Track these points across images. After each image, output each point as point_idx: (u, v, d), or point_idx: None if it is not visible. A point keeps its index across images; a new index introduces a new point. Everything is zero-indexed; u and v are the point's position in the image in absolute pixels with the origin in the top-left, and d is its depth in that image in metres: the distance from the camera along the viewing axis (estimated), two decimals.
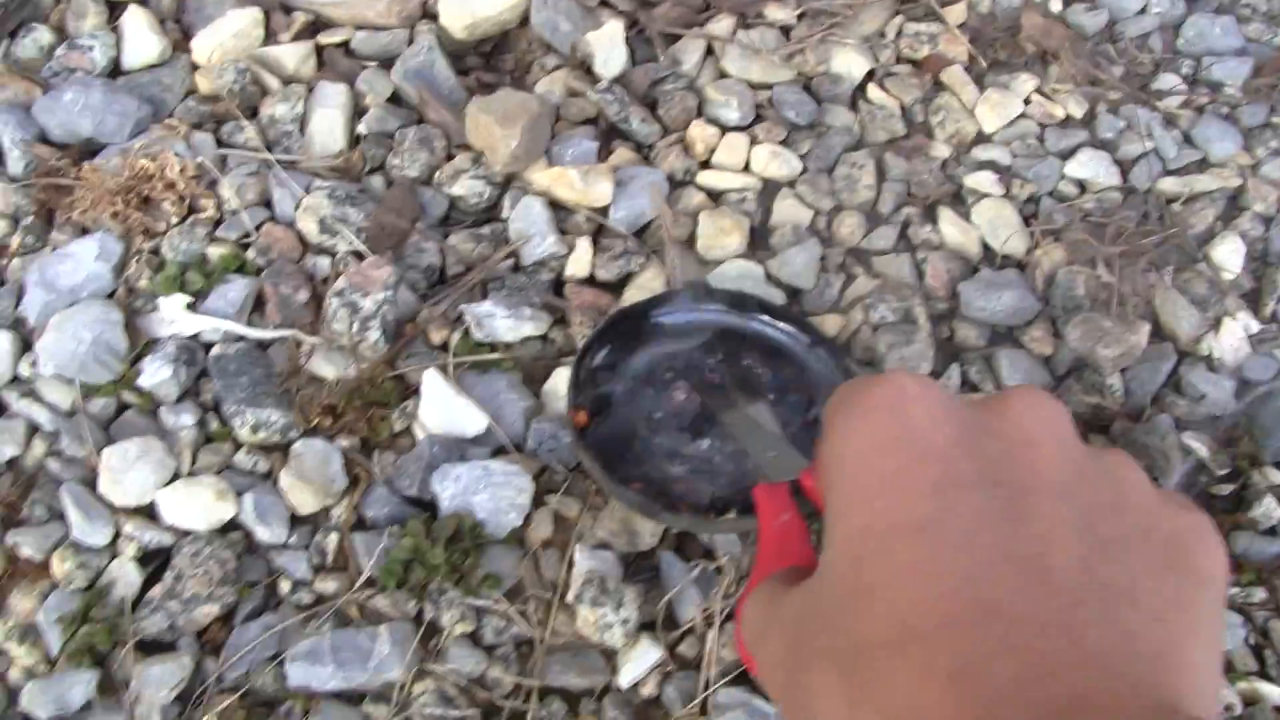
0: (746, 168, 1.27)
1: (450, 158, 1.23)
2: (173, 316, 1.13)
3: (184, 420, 1.09)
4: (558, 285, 1.20)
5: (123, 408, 1.11)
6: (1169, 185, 1.33)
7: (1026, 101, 1.36)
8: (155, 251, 1.17)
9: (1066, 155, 1.33)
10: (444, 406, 1.10)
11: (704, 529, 1.06)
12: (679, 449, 1.05)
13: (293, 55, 1.28)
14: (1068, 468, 0.38)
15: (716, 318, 1.13)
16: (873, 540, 0.36)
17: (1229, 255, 1.30)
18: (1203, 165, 1.37)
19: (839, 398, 0.40)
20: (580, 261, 1.19)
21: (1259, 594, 1.13)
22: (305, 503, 1.07)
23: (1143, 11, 1.46)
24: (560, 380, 1.13)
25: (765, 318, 1.13)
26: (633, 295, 1.17)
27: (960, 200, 1.30)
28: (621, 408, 1.07)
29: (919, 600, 0.34)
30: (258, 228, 1.18)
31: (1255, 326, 1.27)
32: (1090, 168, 1.32)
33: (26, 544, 1.03)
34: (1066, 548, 0.35)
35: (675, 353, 1.10)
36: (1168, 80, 1.41)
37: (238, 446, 1.10)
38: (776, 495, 0.65)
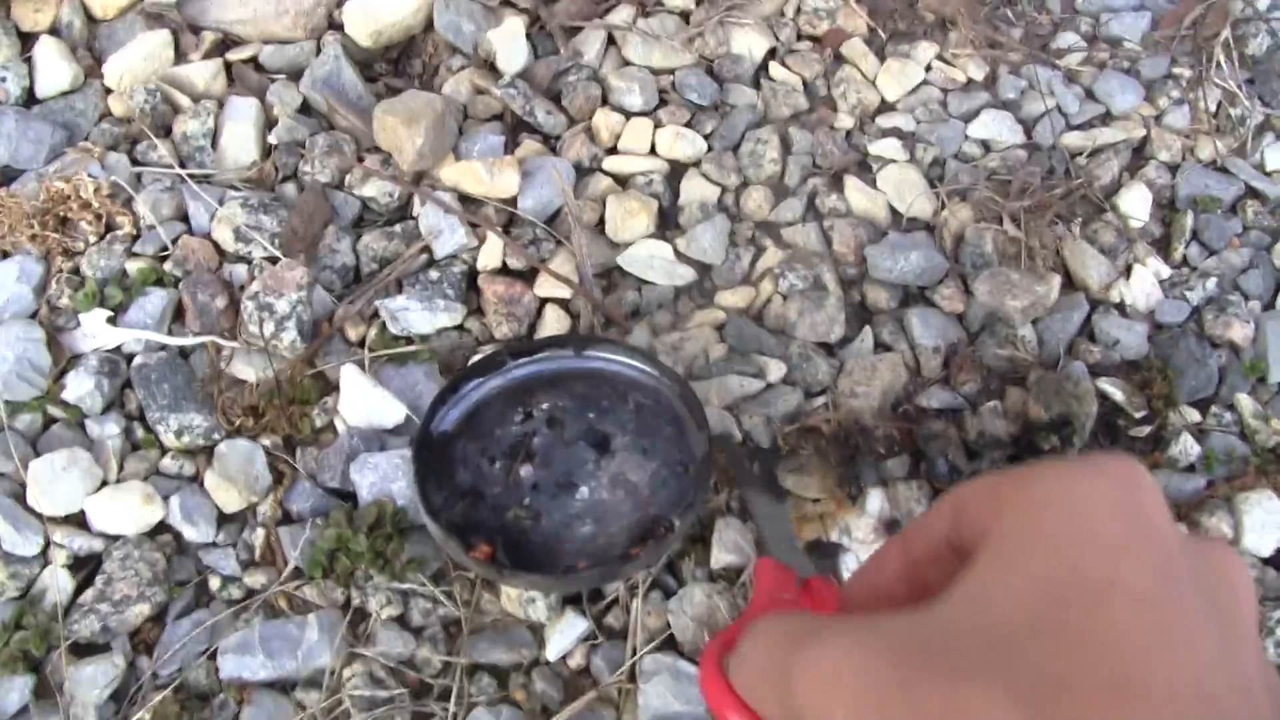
0: (652, 151, 1.32)
1: (360, 160, 1.29)
2: (94, 331, 1.18)
3: (110, 430, 1.14)
4: (471, 277, 1.25)
5: (49, 422, 1.16)
6: (1073, 140, 1.39)
7: (928, 69, 1.42)
8: (75, 270, 1.22)
9: (969, 118, 1.39)
10: (363, 400, 1.15)
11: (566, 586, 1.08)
12: (541, 509, 1.06)
13: (202, 73, 1.34)
14: (1256, 619, 0.43)
15: (551, 366, 1.13)
16: (1083, 589, 0.38)
17: (1136, 203, 1.35)
18: (1106, 119, 1.42)
19: (1060, 465, 0.41)
20: (491, 253, 1.24)
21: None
22: (231, 501, 1.11)
23: None
24: None
25: (601, 354, 1.13)
26: (544, 282, 1.23)
27: (866, 168, 1.35)
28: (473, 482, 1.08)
29: (1143, 665, 0.35)
30: (174, 241, 1.23)
31: (1165, 271, 1.33)
32: (993, 128, 1.38)
33: None
34: (1264, 691, 0.37)
35: (514, 417, 1.11)
36: (1067, 39, 1.47)
37: (163, 452, 1.15)
38: (783, 576, 0.66)
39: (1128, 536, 0.39)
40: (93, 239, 1.23)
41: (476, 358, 1.20)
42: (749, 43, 1.39)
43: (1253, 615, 0.42)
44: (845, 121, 1.37)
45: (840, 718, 0.39)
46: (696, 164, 1.32)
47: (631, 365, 1.13)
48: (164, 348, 1.18)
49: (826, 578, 0.71)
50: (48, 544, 1.09)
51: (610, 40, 1.39)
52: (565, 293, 1.22)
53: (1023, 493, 0.41)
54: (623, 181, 1.31)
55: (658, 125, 1.33)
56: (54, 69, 1.33)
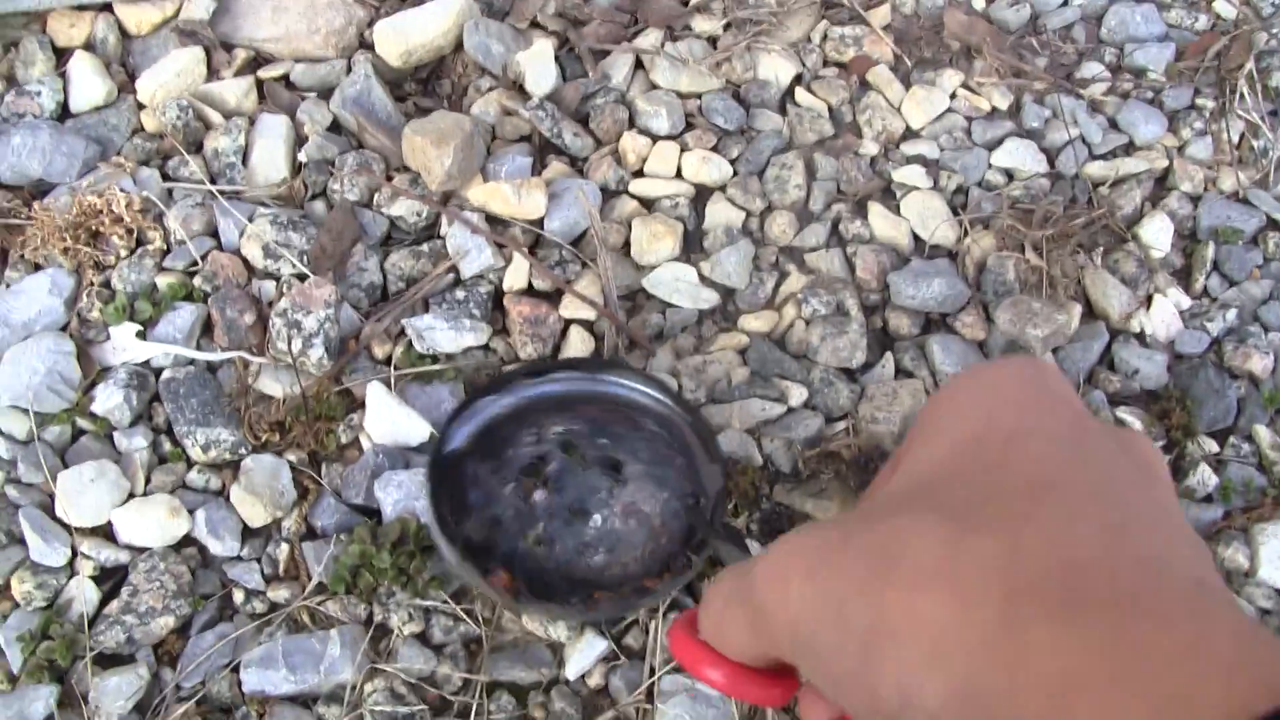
0: (678, 174, 1.34)
1: (389, 179, 1.31)
2: (124, 344, 1.20)
3: (137, 443, 1.16)
4: (497, 297, 1.27)
5: (78, 434, 1.18)
6: (1096, 169, 1.40)
7: (952, 96, 1.43)
8: (106, 284, 1.24)
9: (993, 146, 1.40)
10: (388, 417, 1.17)
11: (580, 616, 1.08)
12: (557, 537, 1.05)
13: (234, 90, 1.36)
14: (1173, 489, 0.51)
15: (562, 388, 1.12)
16: (1000, 433, 0.44)
17: (1157, 234, 1.36)
18: (1129, 149, 1.43)
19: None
20: (517, 273, 1.26)
21: None
22: (256, 516, 1.13)
23: (1065, 4, 1.54)
24: None
25: (615, 379, 1.13)
26: (569, 304, 1.24)
27: (890, 195, 1.36)
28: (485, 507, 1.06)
29: (1058, 473, 0.41)
30: (204, 256, 1.25)
31: (1186, 302, 1.34)
32: (1017, 156, 1.39)
33: None
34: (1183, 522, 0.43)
35: (525, 440, 1.10)
36: (1091, 68, 1.48)
37: (190, 465, 1.16)
38: None
39: (1038, 398, 0.44)
40: (124, 253, 1.25)
41: (490, 376, 1.20)
42: (776, 68, 1.41)
43: (1168, 480, 0.47)
44: (870, 148, 1.39)
45: (794, 586, 0.43)
46: (722, 188, 1.34)
47: (645, 393, 1.12)
48: (192, 362, 1.20)
49: None
50: (75, 555, 1.11)
51: (638, 64, 1.41)
52: (590, 314, 1.24)
53: (940, 391, 0.46)
54: (648, 204, 1.33)
55: (684, 149, 1.35)
56: (88, 84, 1.35)
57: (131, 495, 1.14)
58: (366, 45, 1.42)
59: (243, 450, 1.16)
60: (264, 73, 1.39)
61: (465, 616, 1.10)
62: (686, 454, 1.09)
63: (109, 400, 1.17)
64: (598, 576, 1.04)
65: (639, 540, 1.06)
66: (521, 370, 1.14)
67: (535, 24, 1.43)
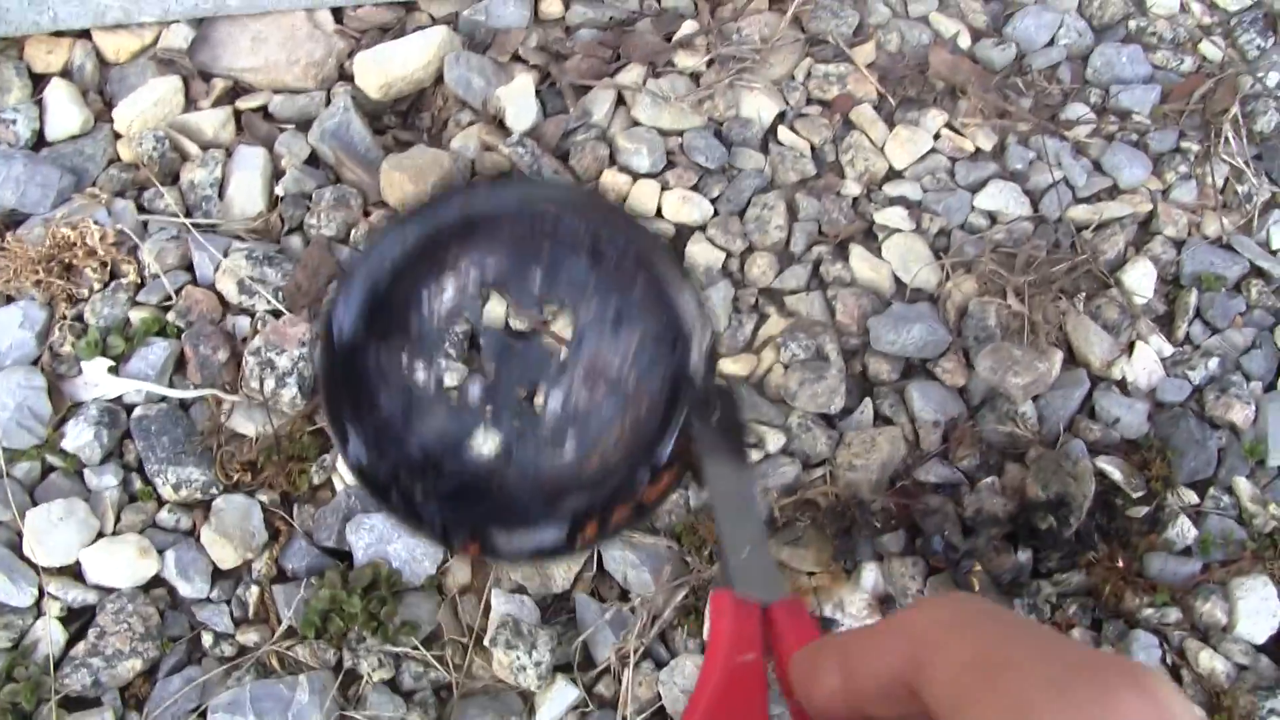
0: (659, 213, 1.34)
1: (367, 214, 1.31)
2: (96, 380, 1.20)
3: (107, 481, 1.16)
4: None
5: (47, 470, 1.18)
6: (1079, 213, 1.41)
7: (936, 137, 1.44)
8: (79, 318, 1.24)
9: (976, 188, 1.41)
10: None
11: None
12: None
13: (211, 121, 1.36)
14: None
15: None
16: None
17: (1140, 280, 1.37)
18: (1113, 192, 1.44)
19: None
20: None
21: (1174, 614, 1.19)
22: (226, 557, 1.13)
23: (1051, 44, 1.55)
24: None
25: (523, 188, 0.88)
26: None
27: (872, 236, 1.37)
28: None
29: None
30: (178, 291, 1.25)
31: (1168, 349, 1.35)
32: (1000, 199, 1.40)
33: None
34: None
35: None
36: (1076, 110, 1.49)
37: (160, 504, 1.17)
38: (743, 622, 0.56)
39: None
40: (97, 286, 1.25)
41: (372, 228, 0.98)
42: (758, 106, 1.42)
43: None
44: (852, 189, 1.39)
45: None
46: (702, 228, 1.34)
47: (568, 199, 0.85)
48: (164, 399, 1.20)
49: (795, 598, 0.59)
50: (41, 595, 1.11)
51: (620, 100, 1.42)
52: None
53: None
54: None
55: (665, 187, 1.35)
56: (64, 112, 1.36)
57: (101, 534, 1.14)
58: (346, 77, 1.42)
59: (214, 490, 1.17)
60: (242, 103, 1.39)
61: (436, 663, 1.10)
62: (646, 276, 0.82)
63: (79, 437, 1.17)
64: (574, 477, 0.81)
65: (612, 413, 0.82)
66: (402, 211, 0.95)
67: (517, 57, 1.44)
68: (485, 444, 0.82)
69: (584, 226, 0.82)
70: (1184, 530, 1.23)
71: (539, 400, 0.83)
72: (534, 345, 0.85)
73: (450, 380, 0.85)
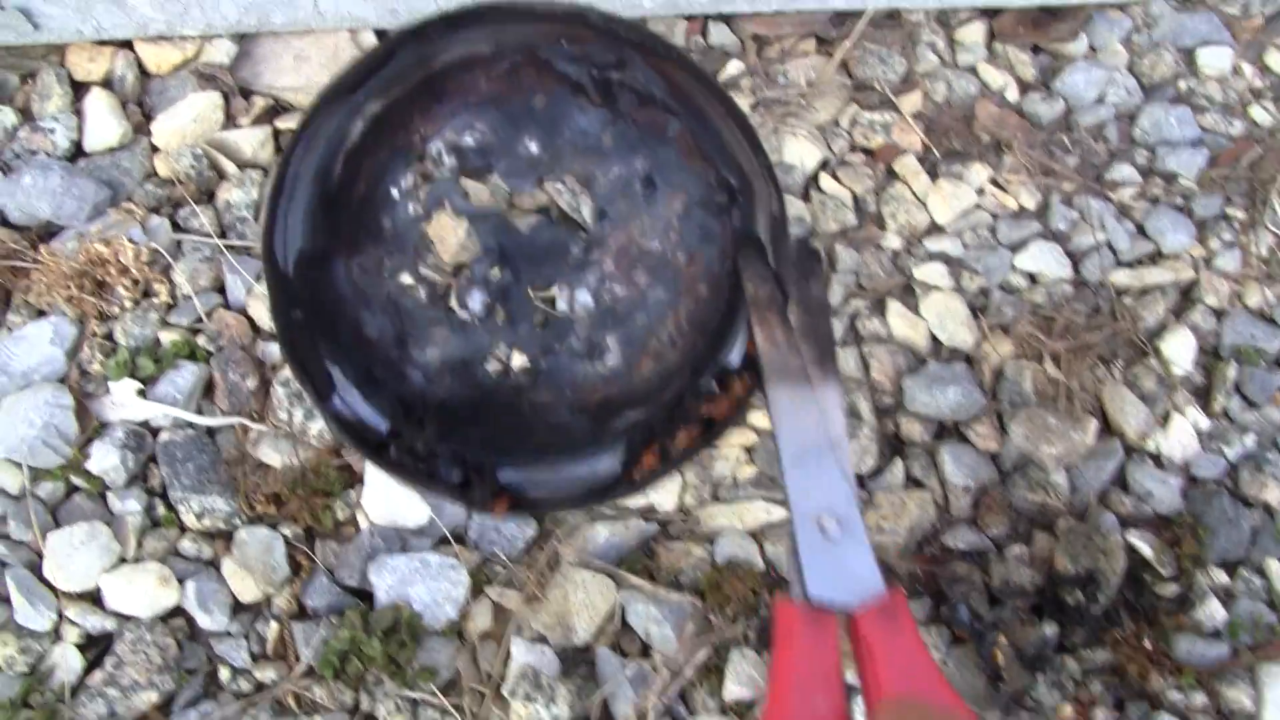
0: None
1: None
2: (123, 402, 1.20)
3: (131, 505, 1.16)
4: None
5: (71, 491, 1.18)
6: (1121, 278, 1.40)
7: (979, 192, 1.43)
8: (108, 336, 1.24)
9: (1018, 247, 1.41)
10: (387, 496, 1.17)
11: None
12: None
13: (250, 140, 1.36)
14: None
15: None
16: None
17: (1179, 349, 1.37)
18: (1155, 257, 1.44)
19: None
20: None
21: (1199, 698, 1.19)
22: (247, 590, 1.14)
23: (1099, 101, 1.54)
24: None
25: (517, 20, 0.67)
26: None
27: (910, 292, 1.37)
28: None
29: None
30: (209, 313, 1.25)
31: (1205, 423, 1.34)
32: (1041, 260, 1.39)
33: None
34: None
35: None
36: (1122, 170, 1.48)
37: (183, 532, 1.17)
38: (817, 647, 0.45)
39: None
40: (128, 305, 1.25)
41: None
42: (801, 152, 1.41)
43: None
44: (893, 241, 1.39)
45: None
46: None
47: (553, 32, 0.64)
48: (191, 425, 1.20)
49: (893, 594, 0.47)
50: (60, 619, 1.11)
51: None
52: None
53: None
54: None
55: None
56: (103, 124, 1.36)
57: (122, 560, 1.14)
58: None
59: (237, 520, 1.17)
60: (281, 123, 1.39)
61: (454, 710, 1.10)
62: (682, 118, 0.67)
63: (105, 459, 1.17)
64: (623, 389, 0.70)
65: (660, 305, 0.67)
66: (342, 77, 0.69)
67: None
68: (506, 360, 0.66)
69: (587, 59, 0.61)
70: (1213, 612, 1.23)
71: (562, 299, 0.67)
72: (544, 231, 0.64)
73: (446, 287, 0.62)
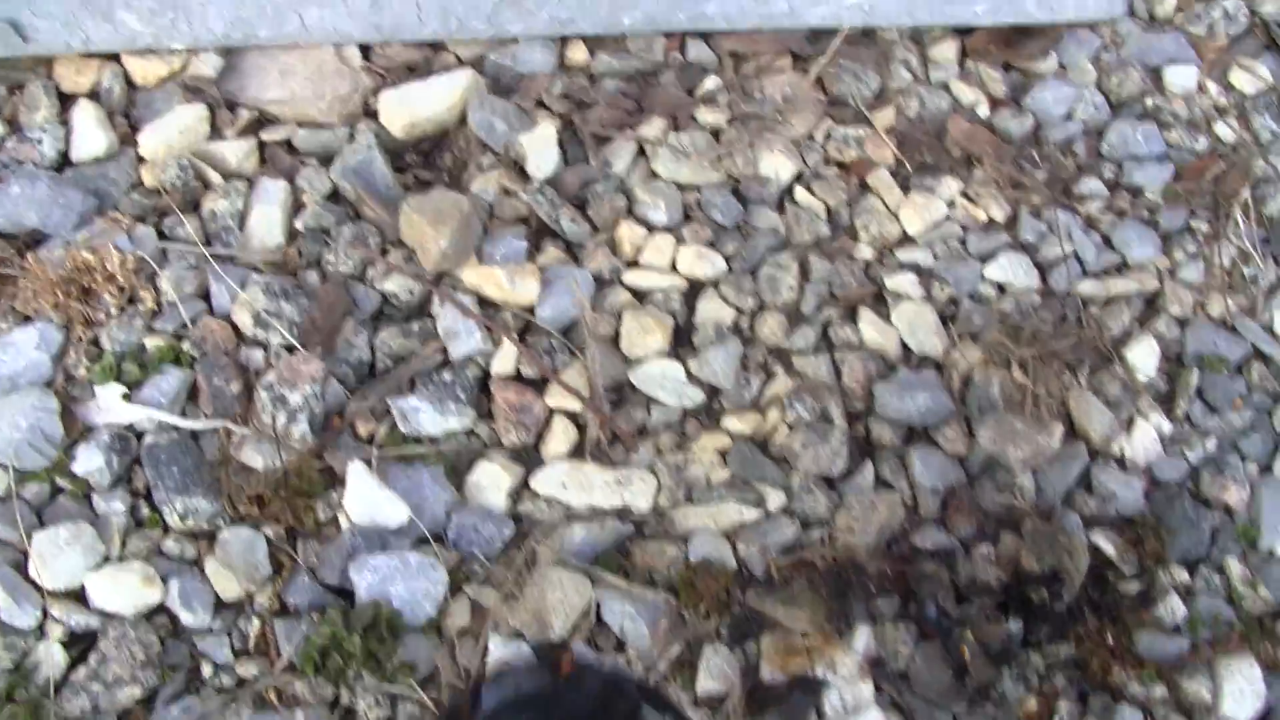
0: (672, 267, 1.38)
1: (384, 253, 1.35)
2: (109, 406, 1.23)
3: (115, 506, 1.19)
4: (484, 381, 1.31)
5: (56, 492, 1.21)
6: (1087, 288, 1.45)
7: (950, 204, 1.48)
8: (94, 342, 1.27)
9: (987, 257, 1.45)
10: (368, 498, 1.20)
11: None
12: None
13: (235, 151, 1.40)
14: None
15: None
16: None
17: (1144, 357, 1.41)
18: (1121, 268, 1.48)
19: None
20: (506, 359, 1.30)
21: (1160, 691, 1.23)
22: (230, 589, 1.17)
23: (1068, 117, 1.59)
24: (482, 473, 1.24)
25: None
26: (555, 393, 1.28)
27: (882, 301, 1.41)
28: None
29: None
30: (194, 320, 1.29)
31: (1167, 427, 1.38)
32: (1010, 270, 1.44)
33: None
34: None
35: None
36: (1090, 184, 1.53)
37: (166, 532, 1.20)
38: None
39: None
40: (114, 311, 1.29)
41: None
42: (777, 165, 1.46)
43: None
44: (865, 252, 1.43)
45: None
46: (715, 284, 1.38)
47: None
48: (176, 429, 1.23)
49: None
50: (45, 617, 1.14)
51: (640, 152, 1.45)
52: (576, 406, 1.28)
53: None
54: (641, 296, 1.37)
55: (680, 242, 1.39)
56: (90, 135, 1.39)
57: (106, 559, 1.17)
58: (371, 114, 1.46)
59: (220, 521, 1.20)
60: (266, 135, 1.43)
61: (432, 704, 1.13)
62: None
63: (90, 461, 1.20)
64: None
65: None
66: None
67: (540, 104, 1.48)
68: None
69: None
70: (1174, 608, 1.27)
71: None
72: None
73: None
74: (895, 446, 1.33)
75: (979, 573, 1.24)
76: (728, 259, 1.40)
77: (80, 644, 1.14)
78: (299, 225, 1.37)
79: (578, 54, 1.52)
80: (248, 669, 1.14)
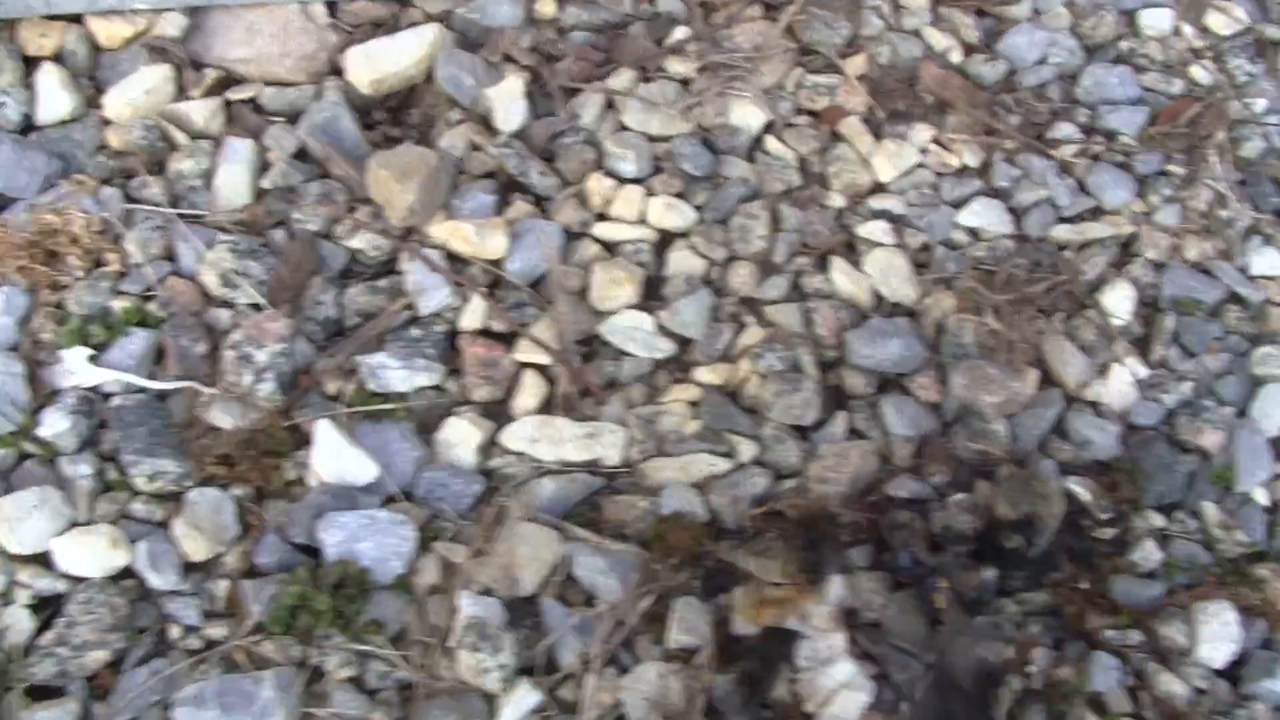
0: (642, 219, 1.34)
1: (351, 210, 1.31)
2: (75, 369, 1.20)
3: (82, 470, 1.16)
4: (452, 337, 1.27)
5: (23, 457, 1.18)
6: (1062, 233, 1.41)
7: (923, 151, 1.44)
8: (60, 305, 1.24)
9: (960, 204, 1.41)
10: (336, 456, 1.17)
11: None
12: None
13: (201, 111, 1.36)
14: None
15: None
16: None
17: (1119, 301, 1.37)
18: (1096, 213, 1.44)
19: None
20: (474, 314, 1.26)
21: (1135, 636, 1.20)
22: (198, 550, 1.14)
23: (1041, 62, 1.54)
24: (452, 429, 1.21)
25: None
26: (524, 347, 1.25)
27: (853, 250, 1.37)
28: None
29: None
30: (161, 281, 1.25)
31: (1143, 372, 1.35)
32: (984, 216, 1.40)
33: None
34: None
35: None
36: (1064, 129, 1.49)
37: (134, 495, 1.17)
38: None
39: None
40: (80, 274, 1.25)
41: None
42: (747, 115, 1.42)
43: None
44: (836, 200, 1.39)
45: None
46: (685, 235, 1.34)
47: None
48: (143, 390, 1.20)
49: None
50: (11, 582, 1.11)
51: (609, 104, 1.41)
52: (545, 359, 1.25)
53: None
54: (610, 248, 1.33)
55: (650, 193, 1.35)
56: (55, 97, 1.35)
57: (73, 523, 1.14)
58: (338, 71, 1.41)
59: (188, 482, 1.17)
60: (233, 94, 1.39)
61: (401, 662, 1.10)
62: None
63: (56, 425, 1.17)
64: None
65: None
66: None
67: (508, 58, 1.43)
68: None
69: None
70: (1149, 553, 1.24)
71: None
72: None
73: None
74: (868, 395, 1.29)
75: (953, 521, 1.21)
76: (698, 209, 1.36)
77: (48, 608, 1.11)
78: (266, 184, 1.33)
79: (546, 6, 1.48)
80: (216, 630, 1.11)
